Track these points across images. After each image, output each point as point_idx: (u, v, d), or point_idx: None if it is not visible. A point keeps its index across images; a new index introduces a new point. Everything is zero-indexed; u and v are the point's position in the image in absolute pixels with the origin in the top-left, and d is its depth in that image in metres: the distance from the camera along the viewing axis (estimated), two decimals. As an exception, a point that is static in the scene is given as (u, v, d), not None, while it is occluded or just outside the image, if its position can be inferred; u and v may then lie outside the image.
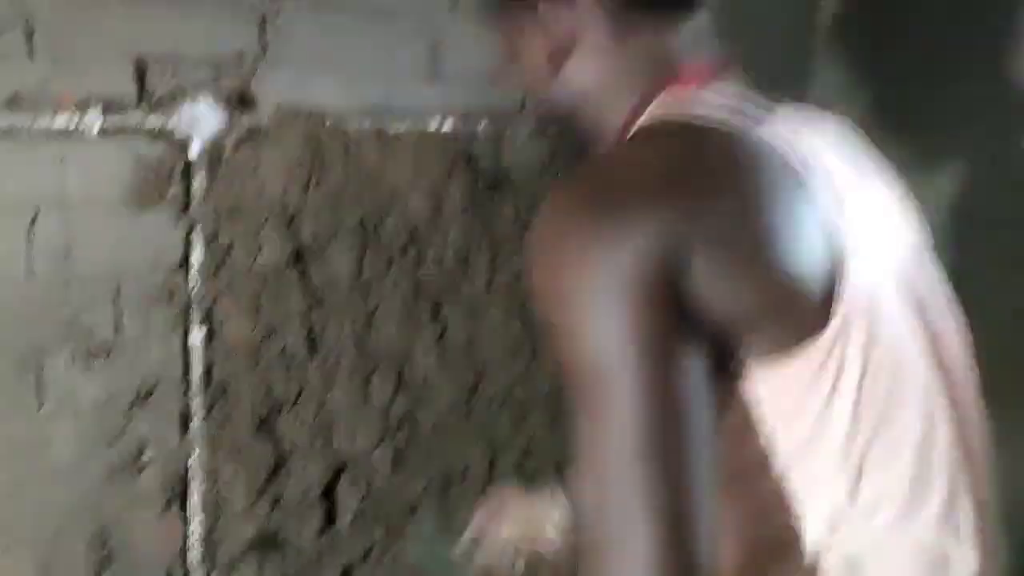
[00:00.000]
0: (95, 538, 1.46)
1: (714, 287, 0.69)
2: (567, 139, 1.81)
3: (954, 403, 0.82)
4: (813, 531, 0.76)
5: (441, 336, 1.80)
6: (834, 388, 0.74)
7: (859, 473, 0.76)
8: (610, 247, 0.68)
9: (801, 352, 0.73)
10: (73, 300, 1.39)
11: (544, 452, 1.97)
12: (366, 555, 1.79)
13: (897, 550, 0.77)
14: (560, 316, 0.70)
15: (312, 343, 1.63)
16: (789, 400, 0.74)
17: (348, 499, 1.75)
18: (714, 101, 0.80)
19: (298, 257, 1.57)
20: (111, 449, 1.46)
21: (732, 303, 0.70)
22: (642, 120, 0.81)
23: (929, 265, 0.88)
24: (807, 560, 0.77)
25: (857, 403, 0.75)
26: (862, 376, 0.75)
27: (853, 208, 0.79)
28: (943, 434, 0.80)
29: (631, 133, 0.82)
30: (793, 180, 0.75)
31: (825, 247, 0.74)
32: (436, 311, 1.78)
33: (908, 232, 0.88)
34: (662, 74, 0.82)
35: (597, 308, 0.68)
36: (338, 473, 1.73)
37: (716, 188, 0.73)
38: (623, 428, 0.66)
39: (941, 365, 0.82)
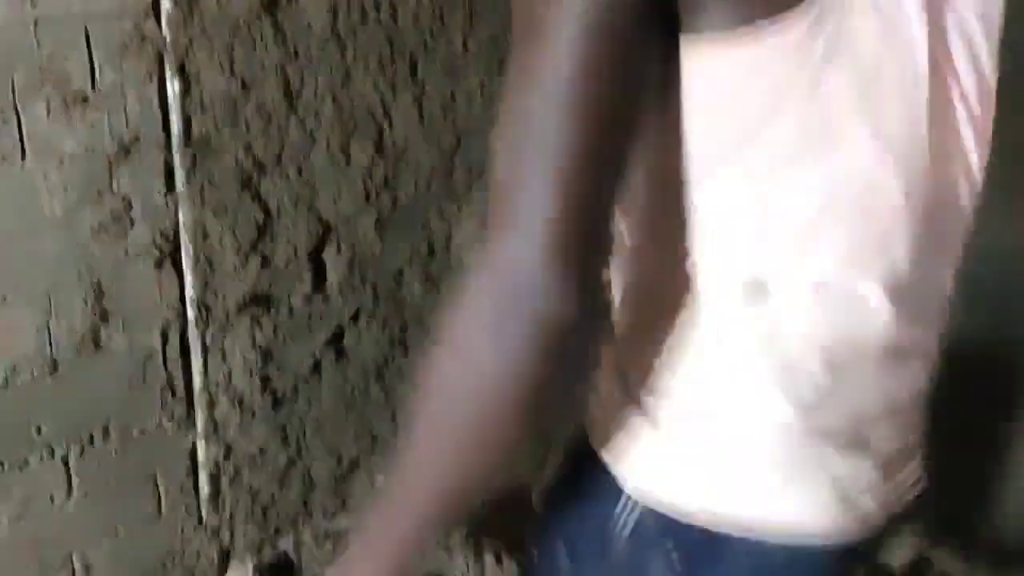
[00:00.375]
0: (92, 292, 1.48)
1: None
2: None
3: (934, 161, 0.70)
4: (719, 250, 0.70)
5: (419, 98, 1.79)
6: (783, 86, 0.64)
7: (775, 192, 0.67)
8: None
9: (756, 34, 0.63)
10: (45, 45, 1.36)
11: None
12: (355, 317, 1.84)
13: (800, 279, 0.69)
14: None
15: (289, 100, 1.61)
16: (726, 94, 0.65)
17: (335, 262, 1.78)
18: None
19: (271, 5, 1.53)
20: (99, 203, 1.46)
21: None
22: None
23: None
24: (707, 280, 0.70)
25: (804, 113, 0.65)
26: (817, 80, 0.64)
27: None
28: (893, 190, 0.68)
29: None
30: None
31: None
32: (413, 70, 1.76)
33: None
34: None
35: None
36: (324, 236, 1.75)
37: None
38: (548, 77, 0.62)
39: (939, 119, 0.70)
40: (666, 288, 0.73)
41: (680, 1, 0.64)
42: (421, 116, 1.80)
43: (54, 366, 1.47)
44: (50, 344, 1.46)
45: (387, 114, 1.76)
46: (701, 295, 0.71)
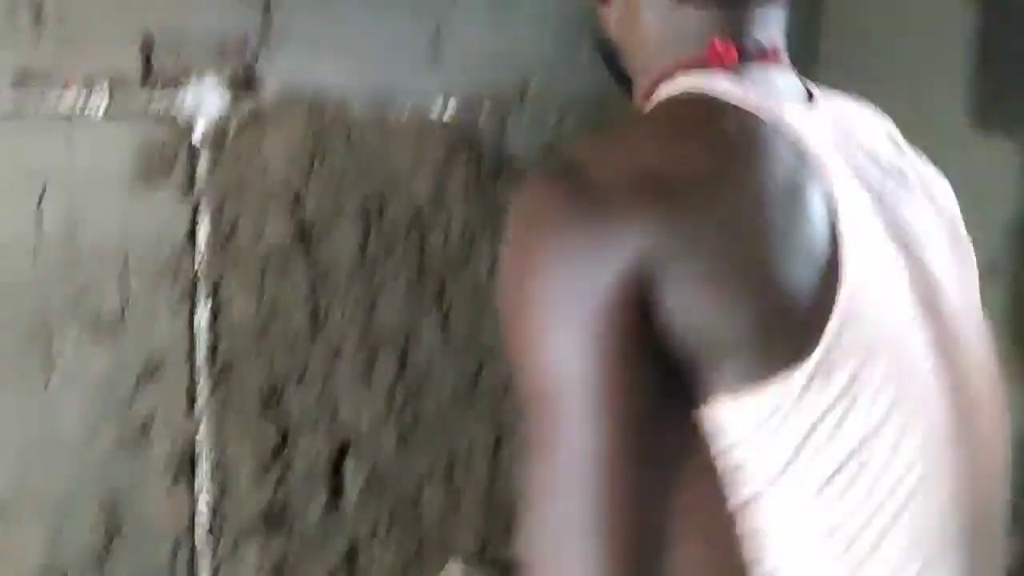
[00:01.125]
0: (104, 510, 1.49)
1: (692, 305, 0.62)
2: (576, 118, 1.83)
3: (971, 450, 0.71)
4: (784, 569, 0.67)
5: (445, 319, 1.82)
6: (815, 422, 0.64)
7: (839, 509, 0.66)
8: (579, 260, 0.62)
9: (780, 379, 0.63)
10: (80, 277, 1.43)
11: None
12: (373, 533, 1.81)
13: None
14: (518, 325, 0.64)
15: (316, 322, 1.66)
16: (760, 433, 0.64)
17: (353, 477, 1.77)
18: (748, 81, 0.73)
19: (302, 237, 1.60)
20: (119, 423, 1.49)
21: (710, 322, 0.62)
22: (669, 89, 0.75)
23: (967, 286, 0.78)
24: None
25: (840, 436, 0.65)
26: (848, 408, 0.65)
27: (868, 215, 0.70)
28: (947, 489, 0.69)
29: (654, 102, 0.76)
30: (805, 173, 0.68)
31: (826, 254, 0.66)
32: (440, 295, 1.80)
33: (941, 248, 0.77)
34: (704, 47, 0.74)
35: (558, 324, 0.62)
36: (343, 452, 1.75)
37: (715, 178, 0.65)
38: (572, 460, 0.60)
39: (960, 412, 0.71)
40: None
41: (693, 373, 0.63)
42: (446, 336, 1.83)
43: (62, 583, 1.46)
44: (61, 560, 1.46)
45: (412, 334, 1.79)
46: None
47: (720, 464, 0.65)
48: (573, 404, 0.61)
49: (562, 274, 0.62)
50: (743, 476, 0.65)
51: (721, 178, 0.66)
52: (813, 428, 0.64)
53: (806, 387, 0.64)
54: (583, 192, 0.64)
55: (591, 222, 0.63)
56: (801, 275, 0.64)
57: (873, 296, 0.67)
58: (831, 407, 0.64)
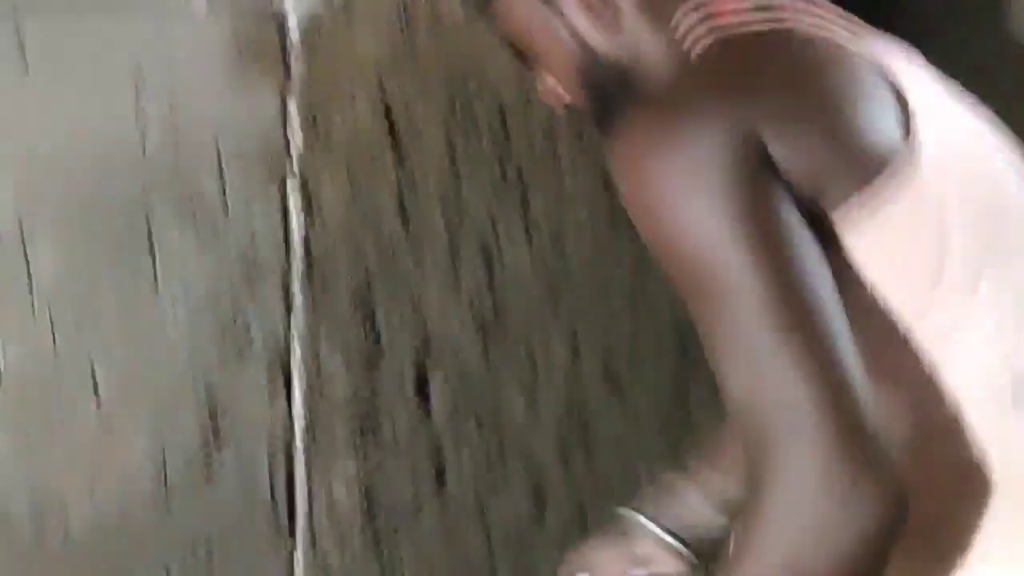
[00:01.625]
0: (206, 414, 1.49)
1: (794, 148, 0.71)
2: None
3: None
4: (958, 375, 0.76)
5: (529, 223, 1.81)
6: (940, 224, 0.74)
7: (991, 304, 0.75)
8: (692, 140, 0.70)
9: (890, 196, 0.72)
10: (178, 175, 1.41)
11: (632, 352, 1.98)
12: (458, 441, 1.82)
13: None
14: (661, 221, 0.71)
15: (405, 223, 1.65)
16: (894, 252, 0.74)
17: (441, 385, 1.77)
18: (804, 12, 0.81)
19: (391, 133, 1.58)
20: (217, 325, 1.48)
21: (811, 159, 0.71)
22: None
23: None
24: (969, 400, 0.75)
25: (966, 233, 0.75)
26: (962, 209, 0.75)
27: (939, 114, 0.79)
28: None
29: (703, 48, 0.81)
30: (879, 70, 0.78)
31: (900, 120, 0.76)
32: (524, 197, 1.79)
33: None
34: None
35: (698, 199, 0.69)
36: (429, 358, 1.75)
37: (796, 79, 0.76)
38: (756, 310, 0.66)
39: None
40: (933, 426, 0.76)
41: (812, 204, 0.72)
42: (530, 243, 1.82)
43: (166, 486, 1.46)
44: (164, 464, 1.46)
45: (497, 238, 1.78)
46: (966, 416, 0.74)
47: (871, 296, 0.74)
48: (737, 262, 0.67)
49: (682, 155, 0.69)
50: (893, 300, 0.74)
51: (806, 73, 0.76)
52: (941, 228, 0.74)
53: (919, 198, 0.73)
54: (683, 95, 0.75)
55: (694, 106, 0.72)
56: (876, 119, 0.75)
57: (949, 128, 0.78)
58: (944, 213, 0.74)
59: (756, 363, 0.66)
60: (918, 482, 0.74)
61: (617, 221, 1.95)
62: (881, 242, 0.73)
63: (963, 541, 0.77)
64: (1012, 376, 0.75)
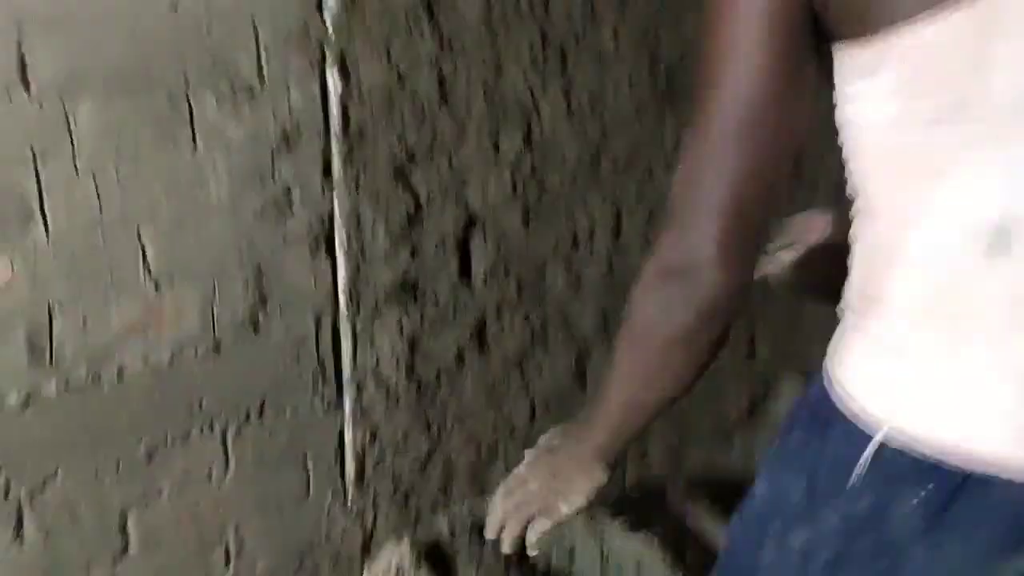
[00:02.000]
0: (252, 275, 1.54)
1: None
2: None
3: None
4: (960, 202, 0.76)
5: (568, 90, 1.79)
6: (982, 51, 0.71)
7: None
8: None
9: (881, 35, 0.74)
10: (213, 44, 1.42)
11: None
12: (499, 307, 1.86)
13: None
14: (706, 29, 0.83)
15: (443, 91, 1.64)
16: (925, 69, 0.73)
17: (481, 252, 1.80)
18: None
19: (428, 2, 1.56)
20: (261, 190, 1.51)
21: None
22: None
23: None
24: (947, 235, 0.76)
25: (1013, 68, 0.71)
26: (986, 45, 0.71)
27: None
28: None
29: None
30: None
31: None
32: (563, 62, 1.76)
33: None
34: None
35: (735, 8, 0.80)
36: (470, 226, 1.77)
37: None
38: (727, 70, 0.81)
39: None
40: (908, 246, 0.78)
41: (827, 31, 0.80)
42: (569, 108, 1.80)
43: (216, 345, 1.53)
44: (213, 323, 1.52)
45: (536, 105, 1.77)
46: (940, 250, 0.76)
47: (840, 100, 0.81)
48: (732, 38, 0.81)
49: None
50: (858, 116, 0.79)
51: None
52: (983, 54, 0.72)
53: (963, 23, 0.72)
54: None
55: None
56: None
57: None
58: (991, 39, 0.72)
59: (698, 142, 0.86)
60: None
61: (656, 84, 1.92)
62: (915, 56, 0.74)
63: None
64: (988, 228, 0.74)
